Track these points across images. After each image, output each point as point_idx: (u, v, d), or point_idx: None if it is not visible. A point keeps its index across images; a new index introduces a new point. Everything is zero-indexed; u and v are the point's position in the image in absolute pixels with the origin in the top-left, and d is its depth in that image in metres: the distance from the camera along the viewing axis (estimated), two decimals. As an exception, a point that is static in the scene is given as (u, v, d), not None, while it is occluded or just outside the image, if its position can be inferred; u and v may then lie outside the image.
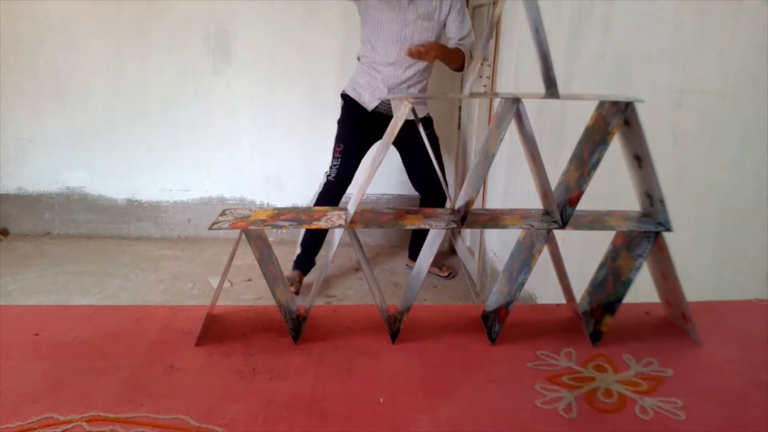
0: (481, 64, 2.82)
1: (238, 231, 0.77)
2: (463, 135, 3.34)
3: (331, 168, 2.82)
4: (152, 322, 0.84)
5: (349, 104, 2.82)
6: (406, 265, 3.28)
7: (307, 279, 3.08)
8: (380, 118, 2.76)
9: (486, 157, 0.80)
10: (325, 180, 2.85)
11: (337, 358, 0.76)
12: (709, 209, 1.16)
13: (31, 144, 3.56)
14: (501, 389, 0.70)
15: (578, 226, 0.78)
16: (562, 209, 0.79)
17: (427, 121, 2.88)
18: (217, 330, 0.82)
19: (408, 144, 2.72)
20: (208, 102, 3.49)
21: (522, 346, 0.80)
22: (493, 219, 0.81)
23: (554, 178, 0.80)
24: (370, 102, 2.76)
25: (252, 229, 0.77)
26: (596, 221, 0.80)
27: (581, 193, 0.76)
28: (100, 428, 0.61)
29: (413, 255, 3.22)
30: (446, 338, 0.82)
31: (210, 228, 0.77)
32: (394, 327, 0.81)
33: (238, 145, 3.56)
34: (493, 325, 0.82)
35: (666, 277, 0.82)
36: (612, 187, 1.34)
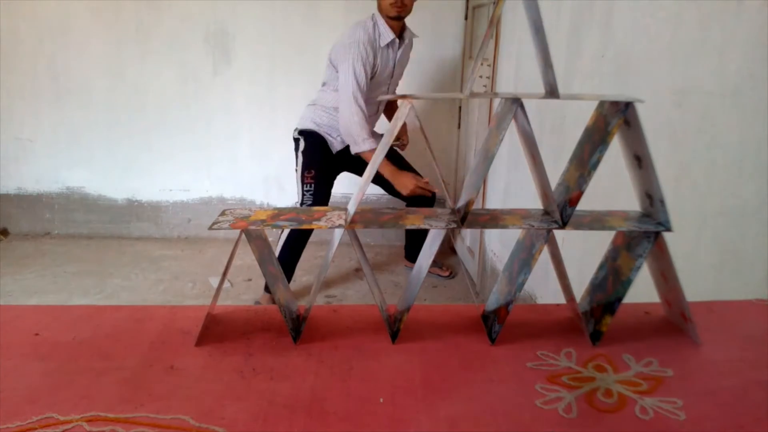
0: (481, 64, 2.82)
1: (238, 231, 0.77)
2: (463, 135, 3.34)
3: (304, 195, 2.68)
4: (152, 322, 0.84)
5: (313, 138, 2.71)
6: (405, 265, 3.28)
7: (307, 279, 3.08)
8: (343, 154, 2.69)
9: (486, 157, 0.80)
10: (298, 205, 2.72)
11: (337, 358, 0.76)
12: (709, 209, 1.16)
13: (31, 144, 3.56)
14: (501, 389, 0.70)
15: (578, 226, 0.78)
16: (562, 209, 0.79)
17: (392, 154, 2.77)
18: (217, 330, 0.82)
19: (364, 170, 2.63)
20: (208, 102, 3.49)
21: (522, 346, 0.80)
22: (493, 219, 0.81)
23: (554, 178, 0.80)
24: (339, 143, 2.69)
25: (252, 229, 0.77)
26: (596, 221, 0.80)
27: (581, 193, 0.76)
28: (100, 428, 0.61)
29: (409, 256, 3.22)
30: (446, 338, 0.82)
31: (210, 228, 0.77)
32: (394, 327, 0.81)
33: (238, 145, 3.56)
34: (493, 325, 0.82)
35: (666, 277, 0.82)
36: (612, 187, 1.34)
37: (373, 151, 2.54)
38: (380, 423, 0.63)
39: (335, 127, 2.67)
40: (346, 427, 0.62)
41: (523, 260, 0.83)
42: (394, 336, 0.80)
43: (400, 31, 2.61)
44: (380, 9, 2.54)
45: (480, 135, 2.94)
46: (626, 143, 0.79)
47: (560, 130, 1.89)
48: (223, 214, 0.81)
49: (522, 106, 0.75)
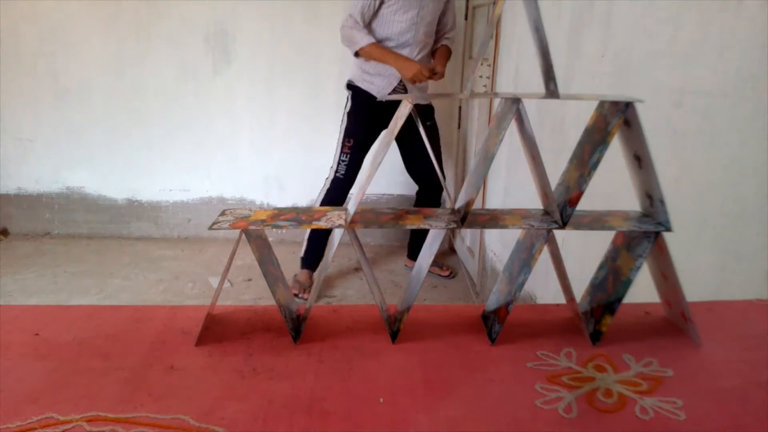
0: (481, 64, 2.82)
1: (238, 231, 0.77)
2: (463, 135, 3.34)
3: (339, 164, 2.77)
4: (152, 322, 0.84)
5: (359, 95, 2.77)
6: (405, 265, 3.28)
7: (307, 279, 3.08)
8: (392, 104, 2.73)
9: (486, 157, 0.80)
10: (332, 176, 2.79)
11: (337, 358, 0.76)
12: (709, 209, 1.16)
13: (31, 144, 3.56)
14: (501, 389, 0.70)
15: (578, 226, 0.78)
16: (562, 209, 0.79)
17: (429, 111, 2.88)
18: (217, 330, 0.82)
19: (407, 137, 2.68)
20: (208, 102, 3.49)
21: (522, 346, 0.80)
22: (493, 219, 0.81)
23: (554, 178, 0.80)
24: (385, 89, 2.72)
25: (252, 229, 0.77)
26: (596, 221, 0.80)
27: (581, 193, 0.76)
28: (100, 428, 0.61)
29: (412, 255, 3.22)
30: (446, 338, 0.82)
31: (210, 228, 0.77)
32: (394, 327, 0.81)
33: (238, 144, 3.56)
34: (493, 325, 0.82)
35: (666, 277, 0.82)
36: (612, 187, 1.34)
37: (373, 44, 2.61)
38: (380, 423, 0.63)
39: (379, 70, 2.71)
40: (346, 427, 0.62)
41: (523, 260, 0.83)
42: (394, 336, 0.80)
43: None
44: None
45: (480, 135, 2.94)
46: (626, 143, 0.79)
47: (560, 130, 1.89)
48: (223, 214, 0.81)
49: (522, 106, 0.75)
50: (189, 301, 2.83)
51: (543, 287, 2.04)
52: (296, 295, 2.84)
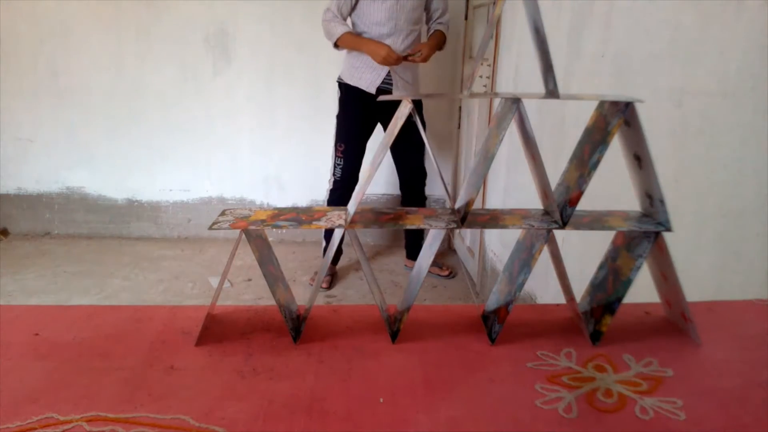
0: (481, 64, 2.82)
1: (238, 231, 0.77)
2: (463, 135, 3.34)
3: (335, 168, 2.83)
4: (152, 322, 0.84)
5: (347, 92, 2.81)
6: (405, 265, 3.28)
7: (306, 279, 3.08)
8: (379, 104, 2.74)
9: (486, 157, 0.80)
10: (332, 179, 2.87)
11: (337, 358, 0.76)
12: (709, 209, 1.16)
13: (31, 144, 3.56)
14: (501, 389, 0.70)
15: (578, 226, 0.78)
16: (562, 209, 0.79)
17: (418, 106, 2.90)
18: (217, 330, 0.82)
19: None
20: (208, 102, 3.49)
21: (522, 346, 0.80)
22: (493, 219, 0.81)
23: (554, 178, 0.80)
24: (373, 82, 2.74)
25: (252, 229, 0.77)
26: (596, 221, 0.80)
27: (581, 193, 0.76)
28: (100, 428, 0.61)
29: (412, 255, 3.23)
30: (446, 338, 0.82)
31: (210, 228, 0.77)
32: (394, 327, 0.81)
33: (238, 144, 3.56)
34: (493, 325, 0.82)
35: (666, 277, 0.82)
36: (612, 187, 1.34)
37: (348, 33, 2.66)
38: (380, 423, 0.63)
39: (368, 63, 2.72)
40: (346, 427, 0.62)
41: (523, 260, 0.83)
42: (394, 336, 0.80)
43: None
44: None
45: (480, 135, 2.94)
46: (626, 143, 0.79)
47: (560, 130, 1.89)
48: (223, 214, 0.81)
49: (522, 106, 0.75)
50: (189, 301, 2.83)
51: (543, 287, 2.04)
52: (325, 288, 2.97)
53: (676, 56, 1.26)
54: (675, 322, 0.86)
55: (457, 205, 0.84)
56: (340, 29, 2.66)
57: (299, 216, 0.80)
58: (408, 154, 2.92)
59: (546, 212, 0.83)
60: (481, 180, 0.80)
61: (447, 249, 3.55)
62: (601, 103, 0.79)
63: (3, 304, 1.91)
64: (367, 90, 2.75)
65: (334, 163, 2.83)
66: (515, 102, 0.75)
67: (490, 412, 0.65)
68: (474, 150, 3.08)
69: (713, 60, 1.14)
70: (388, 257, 3.45)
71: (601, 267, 0.88)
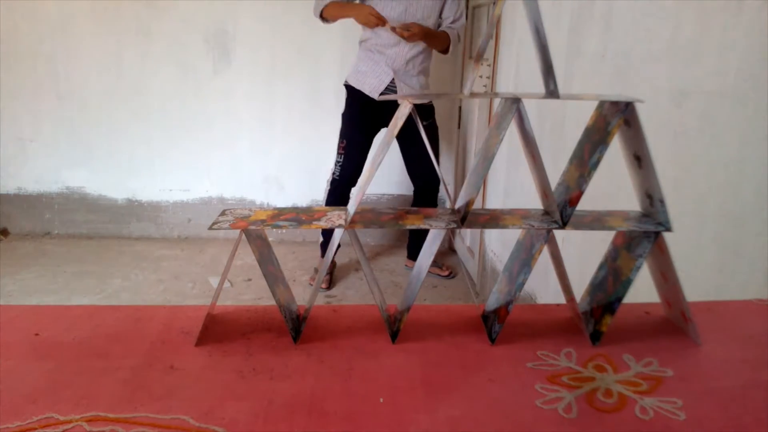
0: (481, 64, 2.82)
1: (238, 231, 0.77)
2: (463, 135, 3.34)
3: (335, 165, 2.84)
4: (152, 322, 0.84)
5: (352, 95, 2.82)
6: (405, 265, 3.28)
7: (306, 279, 3.08)
8: (385, 102, 2.75)
9: (486, 157, 0.80)
10: (330, 178, 2.88)
11: (337, 358, 0.76)
12: (709, 209, 1.16)
13: (31, 144, 3.56)
14: (501, 389, 0.70)
15: (578, 226, 0.78)
16: (562, 209, 0.79)
17: (427, 110, 2.88)
18: (217, 330, 0.82)
19: (406, 135, 2.68)
20: (208, 102, 3.49)
21: (522, 346, 0.80)
22: (493, 219, 0.81)
23: (554, 178, 0.80)
24: (376, 88, 2.74)
25: (252, 229, 0.77)
26: (596, 221, 0.80)
27: (581, 193, 0.76)
28: (100, 428, 0.61)
29: (412, 255, 3.23)
30: (446, 338, 0.82)
31: (210, 228, 0.77)
32: (394, 327, 0.81)
33: (238, 145, 3.56)
34: (493, 325, 0.82)
35: (666, 277, 0.82)
36: (612, 187, 1.34)
37: (332, 2, 2.64)
38: (380, 423, 0.63)
39: (373, 69, 2.72)
40: (346, 427, 0.62)
41: (523, 260, 0.83)
42: (394, 336, 0.80)
43: None
44: None
45: (480, 135, 2.94)
46: (626, 143, 0.79)
47: (560, 130, 1.89)
48: (223, 214, 0.81)
49: (522, 106, 0.75)
50: (189, 301, 2.83)
51: (543, 287, 2.04)
52: (325, 288, 2.95)
53: (676, 56, 1.26)
54: (675, 322, 0.86)
55: (457, 205, 0.84)
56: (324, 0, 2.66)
57: (299, 216, 0.80)
58: (421, 161, 2.90)
59: (546, 212, 0.83)
60: (481, 180, 0.80)
61: (447, 249, 3.55)
62: (601, 103, 0.79)
63: (3, 304, 1.91)
64: (370, 95, 2.75)
65: (336, 160, 2.84)
66: (515, 102, 0.75)
67: (490, 412, 0.65)
68: (474, 150, 3.08)
69: (713, 60, 1.14)
70: (388, 257, 3.45)
71: (601, 267, 0.88)
